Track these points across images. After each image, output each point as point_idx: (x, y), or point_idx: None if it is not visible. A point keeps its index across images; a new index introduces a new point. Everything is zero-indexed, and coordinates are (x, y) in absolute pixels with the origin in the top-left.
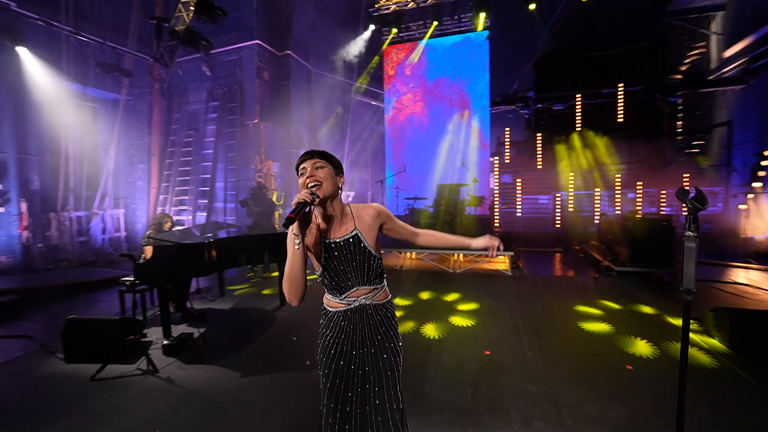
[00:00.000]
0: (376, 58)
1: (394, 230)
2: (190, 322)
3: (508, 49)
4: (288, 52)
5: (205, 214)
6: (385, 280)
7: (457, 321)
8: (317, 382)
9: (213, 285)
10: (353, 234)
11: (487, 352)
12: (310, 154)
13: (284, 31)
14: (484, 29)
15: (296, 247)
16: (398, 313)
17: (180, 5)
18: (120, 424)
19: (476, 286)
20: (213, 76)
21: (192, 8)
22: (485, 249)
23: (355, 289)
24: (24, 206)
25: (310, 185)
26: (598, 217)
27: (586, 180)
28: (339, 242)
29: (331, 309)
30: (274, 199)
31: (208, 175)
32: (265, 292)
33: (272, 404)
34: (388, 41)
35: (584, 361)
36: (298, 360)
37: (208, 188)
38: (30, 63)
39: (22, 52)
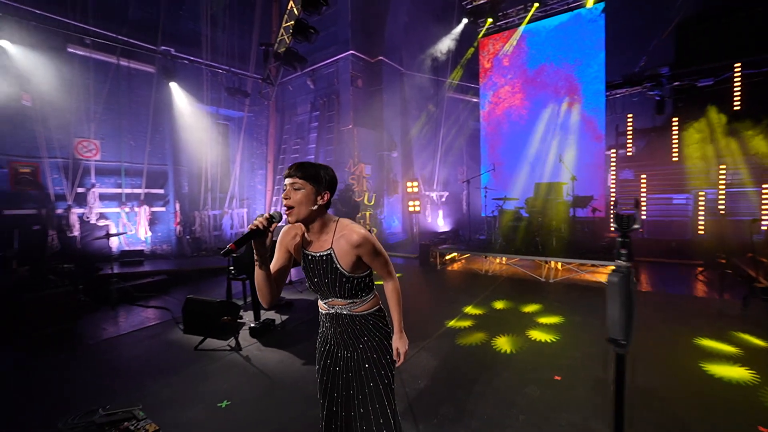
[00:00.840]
0: (471, 49)
1: (372, 265)
2: (277, 309)
3: (629, 21)
4: (380, 57)
5: None
6: (370, 294)
7: (533, 337)
8: None
9: (304, 278)
10: (327, 253)
11: (557, 378)
12: (291, 172)
13: (376, 38)
14: (597, 2)
15: (256, 264)
16: (467, 323)
17: (282, 29)
18: (202, 389)
19: (569, 300)
20: (315, 89)
21: (291, 31)
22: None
23: (331, 299)
24: (177, 206)
25: (268, 213)
26: (767, 223)
27: (746, 173)
28: (315, 256)
29: (320, 309)
30: (365, 200)
31: None
32: None
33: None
34: (482, 32)
35: (691, 409)
36: None
37: None
38: (178, 94)
39: (174, 86)
